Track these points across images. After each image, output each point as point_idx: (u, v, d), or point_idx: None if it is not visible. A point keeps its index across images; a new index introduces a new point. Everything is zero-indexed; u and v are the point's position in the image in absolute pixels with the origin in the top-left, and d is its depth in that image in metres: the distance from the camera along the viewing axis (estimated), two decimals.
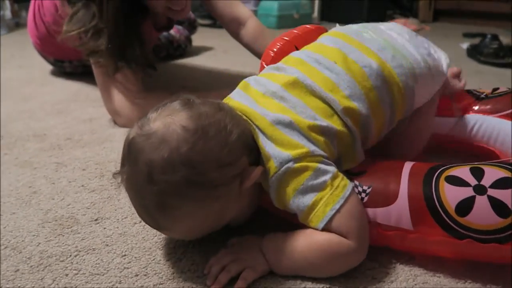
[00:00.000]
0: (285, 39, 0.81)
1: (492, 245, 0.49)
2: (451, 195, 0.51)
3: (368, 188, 0.55)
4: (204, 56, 1.85)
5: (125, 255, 0.58)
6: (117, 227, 0.64)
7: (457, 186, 0.52)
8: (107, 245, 0.60)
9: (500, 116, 0.76)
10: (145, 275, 0.54)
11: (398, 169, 0.57)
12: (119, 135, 0.99)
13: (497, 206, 0.49)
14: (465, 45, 2.02)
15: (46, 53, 1.41)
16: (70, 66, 1.44)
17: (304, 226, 0.54)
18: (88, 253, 0.58)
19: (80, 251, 0.58)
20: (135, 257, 0.57)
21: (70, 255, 0.57)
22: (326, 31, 0.79)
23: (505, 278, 0.53)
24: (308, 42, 0.72)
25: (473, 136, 0.80)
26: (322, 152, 0.54)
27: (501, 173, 0.52)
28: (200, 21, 2.39)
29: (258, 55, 1.24)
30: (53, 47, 1.33)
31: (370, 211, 0.55)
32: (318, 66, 0.61)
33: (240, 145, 0.52)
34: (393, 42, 0.66)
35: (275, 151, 0.53)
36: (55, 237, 0.61)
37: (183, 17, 1.17)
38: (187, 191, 0.49)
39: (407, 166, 0.57)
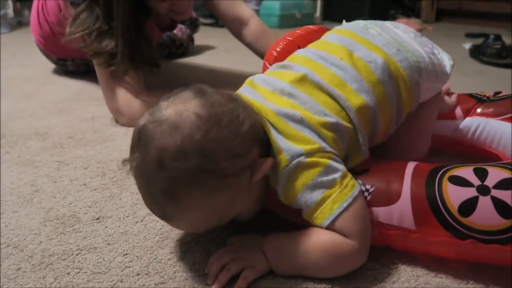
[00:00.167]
0: (288, 39, 0.81)
1: (495, 246, 0.49)
2: (454, 195, 0.51)
3: (371, 187, 0.55)
4: (206, 55, 1.85)
5: (126, 254, 0.58)
6: (119, 226, 0.64)
7: (460, 186, 0.52)
8: (109, 244, 0.60)
9: (503, 119, 0.76)
10: (146, 274, 0.54)
11: (401, 169, 0.57)
12: (121, 134, 0.99)
13: (500, 206, 0.49)
14: (467, 45, 2.02)
15: (49, 51, 1.41)
16: (73, 65, 1.44)
17: (306, 227, 0.54)
18: (89, 252, 0.58)
19: (81, 250, 0.58)
20: (137, 256, 0.57)
21: (72, 254, 0.57)
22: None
23: (506, 280, 0.53)
24: (311, 42, 0.72)
25: (476, 139, 0.79)
26: (332, 150, 0.54)
27: (505, 174, 0.52)
28: (202, 20, 2.39)
29: (260, 54, 1.24)
30: (56, 46, 1.33)
31: (373, 210, 0.54)
32: (324, 63, 0.61)
33: (252, 136, 0.52)
34: (399, 38, 0.66)
35: (287, 145, 0.53)
36: (57, 236, 0.61)
37: (185, 18, 1.18)
38: (198, 180, 0.48)
39: (410, 166, 0.57)
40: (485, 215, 0.49)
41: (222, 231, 0.62)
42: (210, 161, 0.48)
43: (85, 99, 1.25)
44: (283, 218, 0.61)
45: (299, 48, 0.77)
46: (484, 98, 0.81)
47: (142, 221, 0.65)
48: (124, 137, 0.97)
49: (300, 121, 0.54)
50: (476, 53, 1.83)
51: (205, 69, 1.61)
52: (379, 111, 0.60)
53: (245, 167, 0.51)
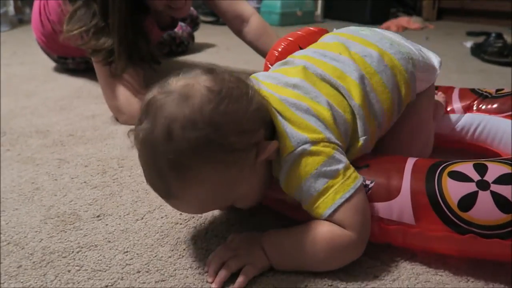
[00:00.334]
0: (290, 40, 0.83)
1: (494, 240, 0.49)
2: (454, 190, 0.51)
3: (371, 182, 0.55)
4: (207, 53, 1.85)
5: (127, 251, 0.58)
6: (119, 224, 0.64)
7: (460, 181, 0.52)
8: (109, 241, 0.60)
9: (505, 117, 0.76)
10: (147, 271, 0.54)
11: (401, 164, 0.57)
12: (121, 132, 0.99)
13: (500, 201, 0.49)
14: (469, 44, 2.01)
15: (50, 50, 1.41)
16: (73, 63, 1.45)
17: (303, 223, 0.54)
18: (90, 250, 0.58)
19: (82, 248, 0.58)
20: (137, 254, 0.57)
21: (73, 251, 0.57)
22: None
23: (507, 277, 0.53)
24: (312, 43, 0.74)
25: (477, 137, 0.79)
26: (337, 141, 0.55)
27: (505, 169, 0.52)
28: (202, 18, 2.39)
29: (261, 52, 1.24)
30: (57, 44, 1.33)
31: (372, 205, 0.54)
32: (324, 59, 0.63)
33: (259, 116, 0.52)
34: (389, 36, 0.70)
35: (293, 131, 0.53)
36: (58, 233, 0.61)
37: (183, 15, 1.17)
38: (206, 152, 0.47)
39: (410, 161, 0.57)
40: (485, 210, 0.49)
41: (222, 230, 0.62)
42: (219, 133, 0.47)
43: (85, 97, 1.25)
44: (282, 216, 0.61)
45: (300, 48, 0.78)
46: (485, 94, 0.81)
47: (142, 218, 0.65)
48: (124, 135, 0.97)
49: (307, 111, 0.55)
50: (478, 51, 1.83)
51: (206, 67, 1.61)
52: (380, 101, 0.61)
53: (252, 145, 0.51)
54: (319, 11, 3.10)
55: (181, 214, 0.66)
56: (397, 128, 0.68)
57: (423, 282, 0.53)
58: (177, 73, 0.51)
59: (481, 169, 0.53)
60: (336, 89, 0.59)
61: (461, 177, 0.52)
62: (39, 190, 0.73)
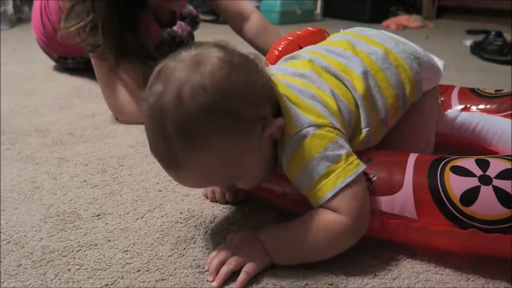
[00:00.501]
0: (289, 39, 0.83)
1: (496, 235, 0.49)
2: (456, 185, 0.51)
3: (373, 176, 0.55)
4: None
5: (127, 250, 0.58)
6: (119, 223, 0.64)
7: (462, 176, 0.52)
8: (109, 240, 0.60)
9: (504, 116, 0.76)
10: (147, 270, 0.54)
11: (403, 159, 0.57)
12: (121, 131, 0.99)
13: (502, 196, 0.49)
14: (468, 42, 2.01)
15: (51, 49, 1.41)
16: (73, 63, 1.45)
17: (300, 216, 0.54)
18: (90, 249, 0.58)
19: (82, 246, 0.58)
20: (137, 253, 0.57)
21: (73, 250, 0.57)
22: (328, 33, 0.85)
23: (507, 276, 0.53)
24: (311, 43, 0.76)
25: (476, 136, 0.79)
26: (341, 128, 0.56)
27: (507, 165, 0.52)
28: (202, 17, 2.38)
29: (261, 50, 1.23)
30: (58, 44, 1.33)
31: (375, 199, 0.54)
32: (330, 54, 0.65)
33: (267, 92, 0.52)
34: (395, 37, 0.71)
35: (298, 113, 0.54)
36: (58, 232, 0.61)
37: (182, 8, 1.17)
38: (214, 118, 0.48)
39: (412, 156, 0.58)
40: (487, 204, 0.50)
41: (222, 229, 0.62)
42: (228, 101, 0.48)
43: (85, 96, 1.25)
44: (283, 215, 0.61)
45: (300, 47, 0.78)
46: (484, 94, 0.81)
47: (142, 217, 0.65)
48: (124, 134, 0.97)
49: (312, 97, 0.56)
50: (477, 49, 1.83)
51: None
52: (383, 97, 0.62)
53: (259, 118, 0.51)
54: (318, 9, 3.10)
55: (181, 213, 0.66)
56: (400, 126, 0.69)
57: (423, 281, 0.53)
58: (187, 47, 0.52)
59: (483, 165, 0.53)
60: (341, 81, 0.61)
61: (463, 172, 0.52)
62: (39, 189, 0.73)
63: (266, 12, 2.65)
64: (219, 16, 1.98)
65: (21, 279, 0.52)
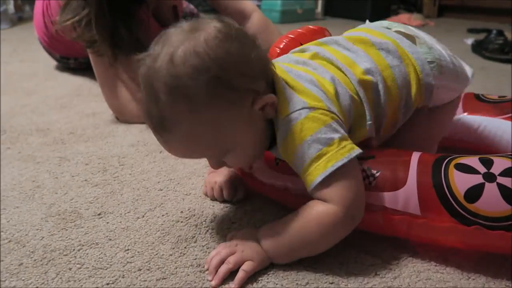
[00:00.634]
0: (291, 37, 0.83)
1: (500, 232, 0.49)
2: (460, 182, 0.51)
3: (377, 172, 0.55)
4: None
5: (128, 249, 0.58)
6: (120, 222, 0.64)
7: (466, 173, 0.52)
8: (110, 239, 0.60)
9: (506, 118, 0.76)
10: (148, 269, 0.54)
11: (407, 156, 0.57)
12: (122, 130, 0.99)
13: (506, 193, 0.49)
14: (469, 41, 2.01)
15: (53, 49, 1.42)
16: (75, 63, 1.45)
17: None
18: (91, 247, 0.58)
19: (83, 245, 0.58)
20: (138, 252, 0.57)
21: (74, 249, 0.57)
22: (328, 32, 0.85)
23: (508, 274, 0.53)
24: (312, 40, 0.75)
25: (477, 138, 0.79)
26: (337, 113, 0.55)
27: (510, 163, 0.52)
28: (203, 15, 2.38)
29: None
30: (61, 45, 1.33)
31: (378, 195, 0.54)
32: (337, 47, 0.65)
33: (261, 68, 0.53)
34: (419, 35, 0.68)
35: (292, 95, 0.54)
36: (59, 231, 0.61)
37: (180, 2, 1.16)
38: (203, 83, 0.48)
39: (416, 154, 0.57)
40: (491, 201, 0.50)
41: (222, 228, 0.62)
42: (220, 68, 0.48)
43: (86, 95, 1.25)
44: (283, 214, 0.61)
45: (301, 45, 0.78)
46: (488, 100, 0.81)
47: (143, 216, 0.65)
48: (125, 133, 0.97)
49: (310, 81, 0.56)
50: (478, 48, 1.83)
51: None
52: (386, 94, 0.61)
53: (250, 90, 0.51)
54: (319, 8, 3.10)
55: (181, 212, 0.66)
56: (413, 129, 0.68)
57: (424, 280, 0.52)
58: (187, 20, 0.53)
59: (487, 163, 0.53)
60: (343, 72, 0.60)
61: (467, 169, 0.52)
62: (40, 188, 0.73)
63: (267, 11, 2.65)
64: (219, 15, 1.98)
65: (23, 278, 0.52)
